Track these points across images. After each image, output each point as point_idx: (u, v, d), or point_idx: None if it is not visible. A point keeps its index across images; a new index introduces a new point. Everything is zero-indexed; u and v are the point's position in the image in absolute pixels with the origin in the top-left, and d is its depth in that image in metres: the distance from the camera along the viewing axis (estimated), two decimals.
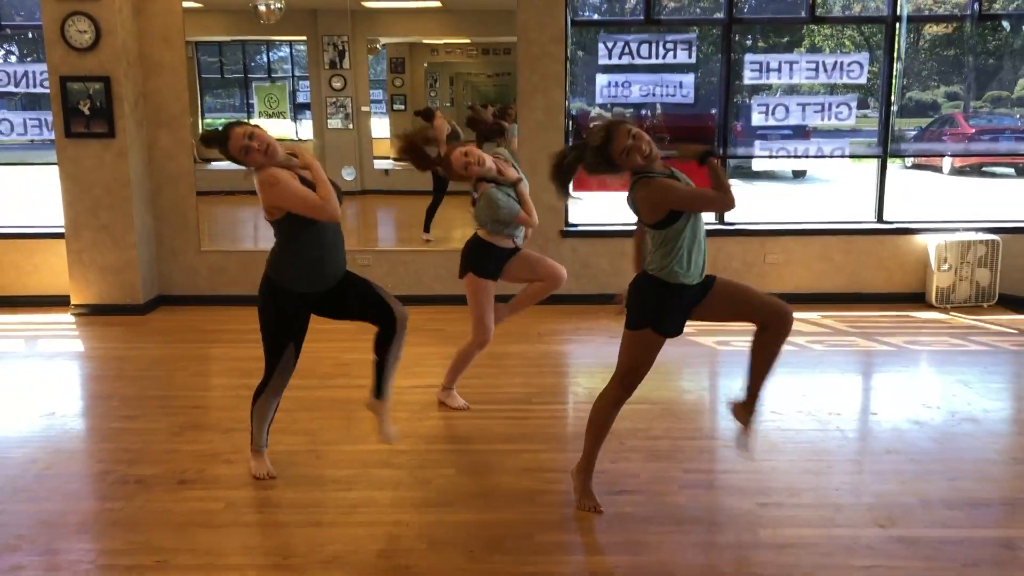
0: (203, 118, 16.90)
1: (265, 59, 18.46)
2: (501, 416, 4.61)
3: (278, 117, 17.69)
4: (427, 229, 8.81)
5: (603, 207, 8.03)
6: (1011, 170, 17.76)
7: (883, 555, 3.16)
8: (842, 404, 4.77)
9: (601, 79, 6.94)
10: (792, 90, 8.11)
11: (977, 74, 18.68)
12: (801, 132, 8.05)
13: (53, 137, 6.53)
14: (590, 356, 5.68)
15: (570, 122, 6.87)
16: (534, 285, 4.68)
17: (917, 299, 6.92)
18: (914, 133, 16.26)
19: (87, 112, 6.41)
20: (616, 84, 6.93)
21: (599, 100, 7.02)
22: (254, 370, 4.08)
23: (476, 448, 4.21)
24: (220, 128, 3.54)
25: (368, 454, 4.12)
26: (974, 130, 16.74)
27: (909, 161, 17.62)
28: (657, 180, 3.25)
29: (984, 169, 17.69)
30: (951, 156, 17.55)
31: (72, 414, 4.75)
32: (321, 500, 3.65)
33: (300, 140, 16.49)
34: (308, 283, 3.65)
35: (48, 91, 6.48)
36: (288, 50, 18.14)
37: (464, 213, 8.81)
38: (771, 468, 3.95)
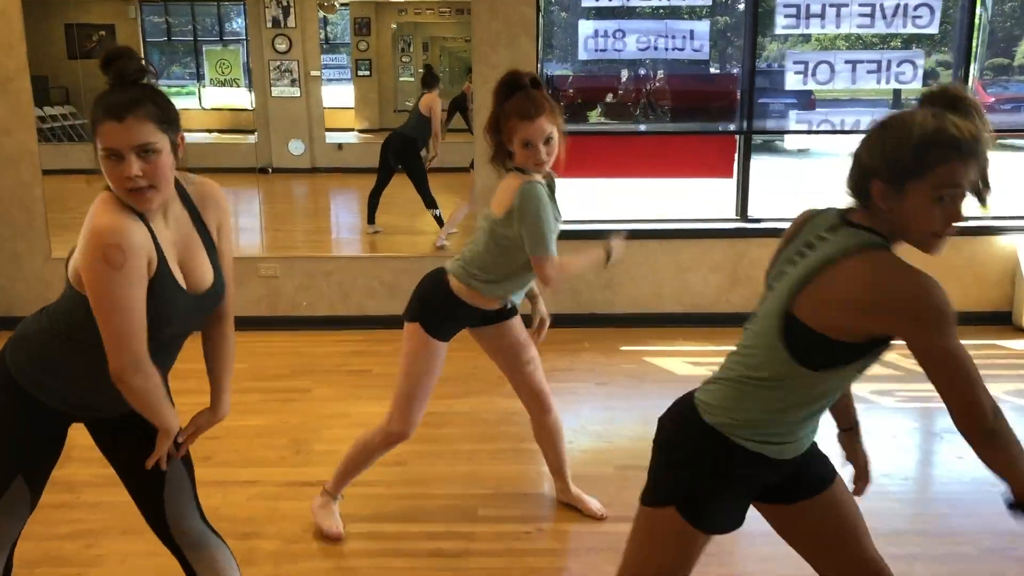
0: None
1: (217, 21, 16.63)
2: (421, 553, 2.91)
3: (231, 85, 15.90)
4: (372, 220, 7.27)
5: (587, 200, 6.33)
6: None
7: None
8: (934, 510, 3.13)
9: (585, 27, 5.19)
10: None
11: (992, 36, 17.32)
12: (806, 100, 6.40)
13: None
14: (573, 418, 3.98)
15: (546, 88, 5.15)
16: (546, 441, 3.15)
17: (1002, 320, 5.29)
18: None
19: None
20: (605, 34, 5.19)
21: (583, 55, 5.27)
22: (82, 443, 2.28)
23: None
24: None
25: None
26: (993, 99, 15.44)
27: None
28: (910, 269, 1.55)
29: (1000, 141, 16.23)
30: None
31: None
32: None
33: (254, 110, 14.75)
34: (64, 401, 1.97)
35: None
36: (243, 11, 16.32)
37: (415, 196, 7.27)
38: None
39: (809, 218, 1.72)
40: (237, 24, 15.93)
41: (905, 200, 1.55)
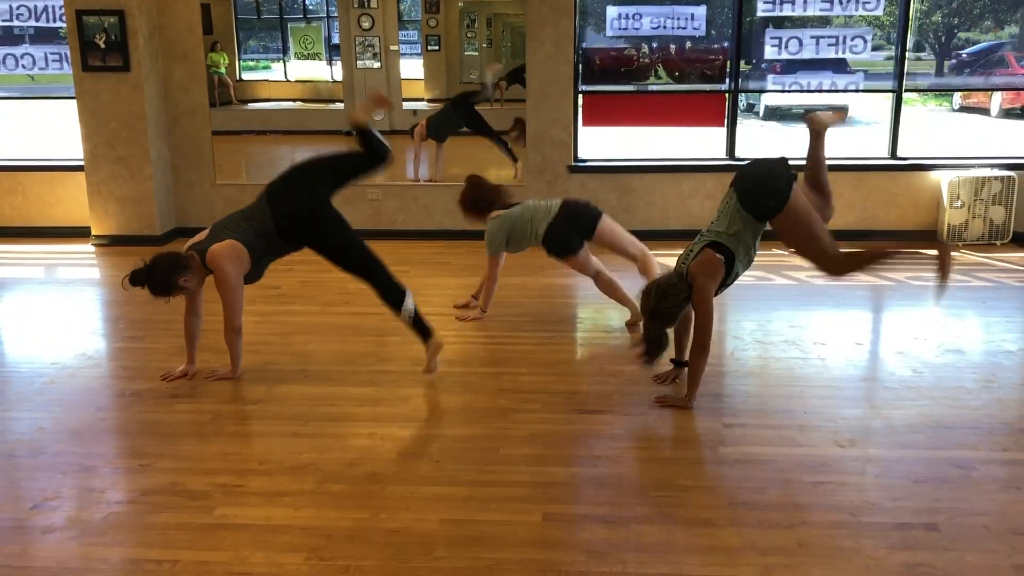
0: (240, 59, 17.12)
1: (300, 0, 18.48)
2: (489, 342, 4.73)
3: (313, 59, 17.79)
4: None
5: (612, 142, 8.04)
6: None
7: (836, 471, 3.23)
8: (829, 335, 4.79)
9: (611, 11, 6.88)
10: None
11: None
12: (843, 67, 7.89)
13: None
14: (588, 288, 5.73)
15: (579, 58, 6.84)
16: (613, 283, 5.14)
17: (929, 237, 6.80)
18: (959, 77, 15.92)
19: (103, 46, 6.54)
20: (627, 16, 6.87)
21: (609, 32, 6.97)
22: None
23: (458, 371, 4.33)
24: None
25: (354, 375, 4.27)
26: None
27: (956, 104, 17.15)
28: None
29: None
30: (959, 90, 16.79)
31: (79, 335, 4.96)
32: (303, 414, 3.81)
33: (334, 81, 16.58)
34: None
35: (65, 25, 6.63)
36: None
37: (484, 151, 8.89)
38: (744, 392, 4.04)
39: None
40: (315, 2, 17.69)
41: None
